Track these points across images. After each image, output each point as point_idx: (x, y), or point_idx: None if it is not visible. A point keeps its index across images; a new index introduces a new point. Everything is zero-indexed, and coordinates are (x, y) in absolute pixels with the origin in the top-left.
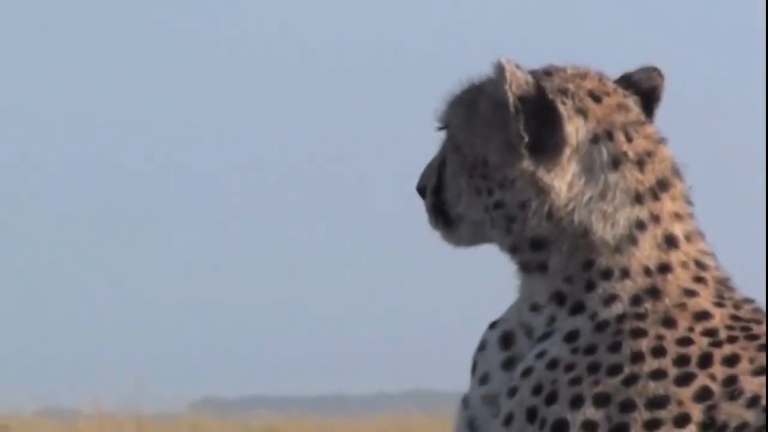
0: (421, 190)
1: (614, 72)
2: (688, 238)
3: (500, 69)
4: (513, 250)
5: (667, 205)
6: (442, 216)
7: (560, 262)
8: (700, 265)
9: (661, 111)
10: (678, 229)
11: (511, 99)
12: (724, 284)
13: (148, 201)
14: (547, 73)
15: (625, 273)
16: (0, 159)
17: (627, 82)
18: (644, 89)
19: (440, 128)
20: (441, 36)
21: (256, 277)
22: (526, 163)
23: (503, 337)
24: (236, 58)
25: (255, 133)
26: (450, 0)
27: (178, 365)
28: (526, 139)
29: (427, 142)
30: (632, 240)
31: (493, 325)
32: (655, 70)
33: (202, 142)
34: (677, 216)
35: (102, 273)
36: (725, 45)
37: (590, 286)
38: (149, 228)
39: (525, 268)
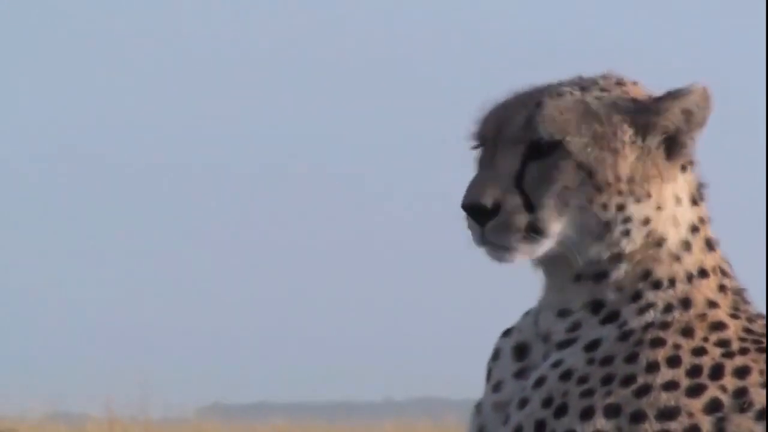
0: (477, 208)
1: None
2: (716, 243)
3: (707, 96)
4: (593, 262)
5: (705, 207)
6: (536, 233)
7: (623, 271)
8: (723, 272)
9: None
10: (711, 233)
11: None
12: (740, 295)
13: (154, 205)
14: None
15: (672, 282)
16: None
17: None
18: None
19: (550, 142)
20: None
21: (264, 284)
22: (688, 185)
23: (517, 348)
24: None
25: (262, 137)
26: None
27: (186, 371)
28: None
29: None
30: (687, 246)
31: (506, 333)
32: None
33: (217, 145)
34: (710, 220)
35: (111, 279)
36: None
37: (636, 297)
38: (157, 235)
39: (581, 276)
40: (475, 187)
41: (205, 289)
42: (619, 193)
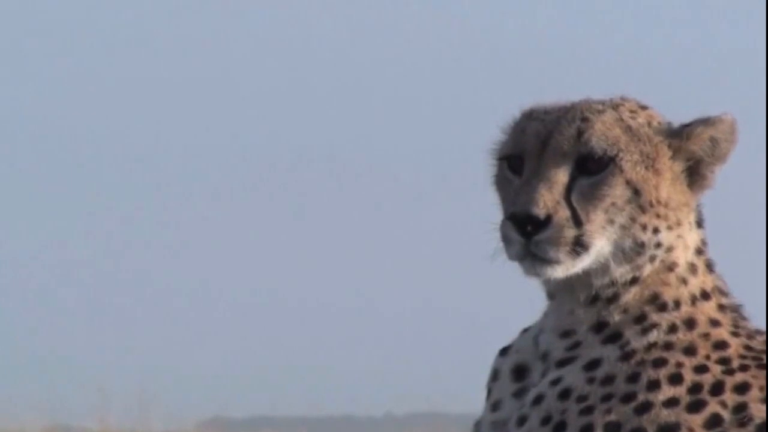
0: (529, 218)
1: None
2: (714, 264)
3: (734, 128)
4: (613, 283)
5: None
6: (581, 247)
7: (635, 294)
8: (721, 291)
9: None
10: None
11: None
12: (738, 312)
13: (150, 212)
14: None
15: (677, 304)
16: None
17: None
18: None
19: (602, 157)
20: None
21: (265, 296)
22: (694, 212)
23: (516, 370)
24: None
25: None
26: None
27: (185, 384)
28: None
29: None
30: (693, 269)
31: (503, 352)
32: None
33: (216, 144)
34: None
35: (110, 291)
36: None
37: (641, 318)
38: (158, 245)
39: (597, 298)
40: (527, 197)
41: (204, 300)
42: (658, 216)
